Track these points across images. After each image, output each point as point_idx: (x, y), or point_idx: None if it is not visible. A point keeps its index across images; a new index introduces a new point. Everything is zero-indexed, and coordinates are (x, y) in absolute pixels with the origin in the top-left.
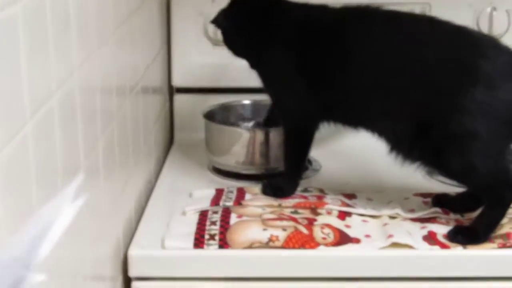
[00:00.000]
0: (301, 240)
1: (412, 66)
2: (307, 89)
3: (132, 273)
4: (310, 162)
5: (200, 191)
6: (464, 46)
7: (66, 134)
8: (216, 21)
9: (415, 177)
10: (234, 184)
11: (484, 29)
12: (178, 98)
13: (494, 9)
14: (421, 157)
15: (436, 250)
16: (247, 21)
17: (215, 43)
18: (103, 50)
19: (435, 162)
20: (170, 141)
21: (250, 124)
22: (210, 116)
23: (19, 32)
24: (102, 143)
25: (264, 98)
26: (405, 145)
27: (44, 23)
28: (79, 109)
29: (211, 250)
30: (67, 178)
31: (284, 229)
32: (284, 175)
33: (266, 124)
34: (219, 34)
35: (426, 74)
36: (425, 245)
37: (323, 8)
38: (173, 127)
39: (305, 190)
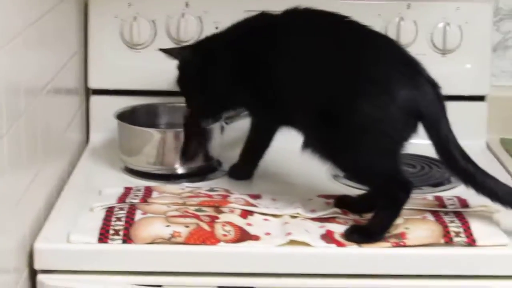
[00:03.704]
0: (202, 237)
1: (313, 62)
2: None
3: (37, 265)
4: (219, 163)
5: (110, 189)
6: (364, 47)
7: None
8: None
9: (321, 179)
10: (144, 183)
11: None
12: (94, 100)
13: (401, 19)
14: (320, 150)
15: (332, 248)
16: None
17: (130, 46)
18: (8, 49)
19: (330, 157)
20: (85, 141)
21: (163, 126)
22: (122, 117)
23: None
24: (7, 139)
25: (177, 100)
26: (312, 137)
27: None
28: None
29: (115, 245)
30: None
31: (187, 226)
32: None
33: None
34: (134, 38)
35: (322, 69)
36: (322, 243)
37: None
38: (88, 127)
39: (211, 190)
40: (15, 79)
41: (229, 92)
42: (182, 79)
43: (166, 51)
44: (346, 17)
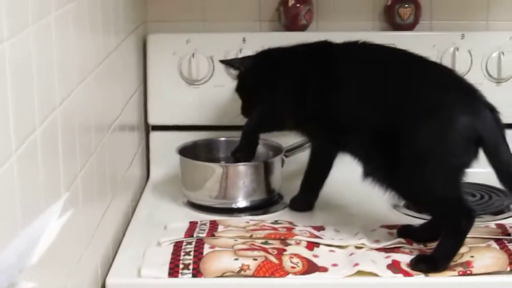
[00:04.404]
0: (271, 269)
1: (372, 89)
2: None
3: None
4: (280, 196)
5: (175, 224)
6: (423, 76)
7: (48, 166)
8: None
9: (383, 210)
10: (207, 217)
11: None
12: (154, 135)
13: (456, 49)
14: (379, 178)
15: (399, 277)
16: None
17: (189, 82)
18: (82, 87)
19: (390, 184)
20: (146, 176)
21: (223, 159)
22: (184, 152)
23: (6, 68)
24: (81, 176)
25: (235, 135)
26: (372, 165)
27: (29, 60)
28: (60, 143)
29: (185, 279)
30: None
31: (255, 259)
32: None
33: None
34: (193, 74)
35: (381, 96)
36: (389, 273)
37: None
38: (149, 163)
39: (275, 222)
40: (86, 117)
41: (285, 103)
42: (241, 87)
43: (226, 62)
44: (403, 49)
